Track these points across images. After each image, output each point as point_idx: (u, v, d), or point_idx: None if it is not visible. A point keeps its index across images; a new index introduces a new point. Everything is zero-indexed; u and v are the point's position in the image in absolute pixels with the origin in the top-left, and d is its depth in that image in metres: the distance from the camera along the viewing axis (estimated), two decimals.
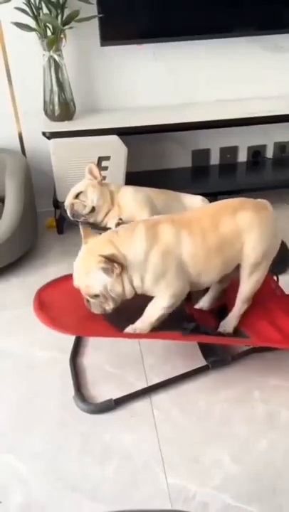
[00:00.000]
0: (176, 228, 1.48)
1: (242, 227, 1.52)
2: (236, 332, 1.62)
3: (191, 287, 1.54)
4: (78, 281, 1.46)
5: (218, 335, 1.61)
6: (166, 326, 1.53)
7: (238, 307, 1.64)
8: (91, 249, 1.45)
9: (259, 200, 1.62)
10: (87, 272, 1.43)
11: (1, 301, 2.00)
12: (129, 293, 1.47)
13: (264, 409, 1.46)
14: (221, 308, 1.73)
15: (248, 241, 1.53)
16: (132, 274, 1.44)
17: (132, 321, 1.53)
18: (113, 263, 1.39)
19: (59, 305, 1.56)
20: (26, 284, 2.08)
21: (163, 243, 1.46)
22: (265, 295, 1.76)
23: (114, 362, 1.65)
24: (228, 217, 1.52)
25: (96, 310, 1.49)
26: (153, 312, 1.51)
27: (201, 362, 1.60)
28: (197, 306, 1.76)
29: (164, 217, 1.55)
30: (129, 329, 1.53)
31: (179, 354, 1.67)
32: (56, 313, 1.51)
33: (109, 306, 1.47)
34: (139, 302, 1.51)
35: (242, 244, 1.53)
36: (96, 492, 1.25)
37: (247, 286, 1.60)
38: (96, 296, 1.45)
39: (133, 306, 1.50)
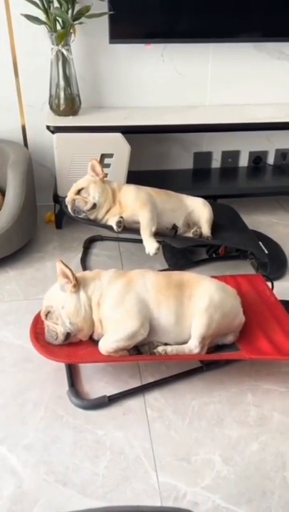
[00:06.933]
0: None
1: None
2: None
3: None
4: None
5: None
6: None
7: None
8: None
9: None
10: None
11: None
12: (82, 317, 1.49)
13: (256, 412, 1.47)
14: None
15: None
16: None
17: None
18: (68, 278, 1.48)
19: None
20: (23, 277, 2.09)
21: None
22: (258, 302, 1.77)
23: None
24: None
25: (50, 336, 1.52)
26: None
27: (195, 363, 1.60)
28: None
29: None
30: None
31: None
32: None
33: (60, 331, 1.50)
34: None
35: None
36: (87, 487, 1.26)
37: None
38: (49, 313, 1.51)
39: None
